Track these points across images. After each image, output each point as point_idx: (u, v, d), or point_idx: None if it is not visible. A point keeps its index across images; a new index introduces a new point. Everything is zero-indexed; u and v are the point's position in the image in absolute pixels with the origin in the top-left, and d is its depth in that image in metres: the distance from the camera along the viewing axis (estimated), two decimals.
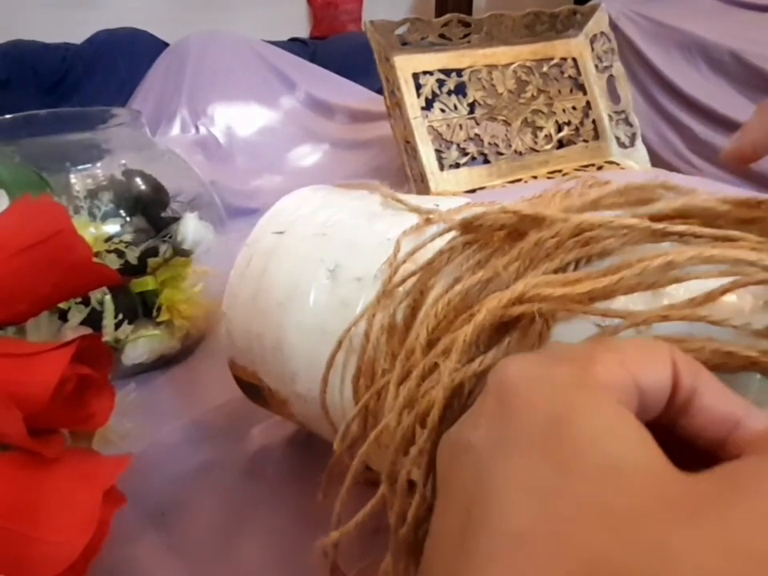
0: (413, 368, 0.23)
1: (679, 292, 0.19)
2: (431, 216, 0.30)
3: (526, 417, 0.15)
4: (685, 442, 0.16)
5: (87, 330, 0.41)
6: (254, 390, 0.38)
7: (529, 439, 0.14)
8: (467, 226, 0.25)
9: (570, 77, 0.94)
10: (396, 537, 0.21)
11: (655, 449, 0.14)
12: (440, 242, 0.27)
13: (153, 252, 0.50)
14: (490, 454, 0.15)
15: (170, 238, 0.51)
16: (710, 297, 0.18)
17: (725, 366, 0.18)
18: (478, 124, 0.87)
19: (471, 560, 0.13)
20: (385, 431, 0.23)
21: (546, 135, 0.91)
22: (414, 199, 0.33)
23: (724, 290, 0.18)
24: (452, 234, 0.26)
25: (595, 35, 0.96)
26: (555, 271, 0.22)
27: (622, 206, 0.23)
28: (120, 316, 0.47)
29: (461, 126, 0.86)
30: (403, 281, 0.27)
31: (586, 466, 0.13)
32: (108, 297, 0.46)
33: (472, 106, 0.87)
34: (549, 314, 0.21)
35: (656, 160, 1.02)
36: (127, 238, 0.48)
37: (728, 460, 0.14)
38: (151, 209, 0.52)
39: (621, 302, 0.20)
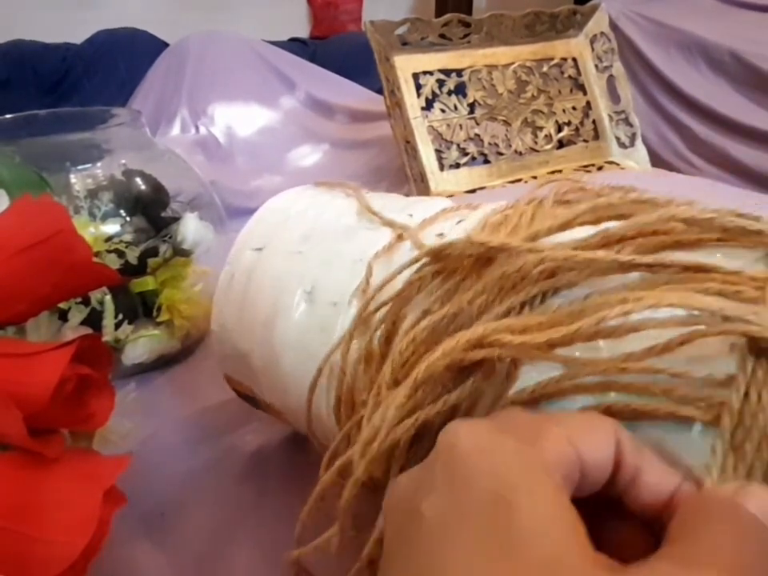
0: (380, 404, 0.23)
1: (640, 337, 0.19)
2: (403, 233, 0.30)
3: (472, 494, 0.15)
4: (629, 511, 0.17)
5: (87, 330, 0.41)
6: (251, 400, 0.38)
7: (474, 521, 0.15)
8: (436, 255, 0.25)
9: (569, 77, 0.94)
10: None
11: (587, 547, 0.14)
12: (411, 270, 0.27)
13: (153, 252, 0.50)
14: (439, 531, 0.15)
15: (169, 238, 0.51)
16: (668, 347, 0.18)
17: (674, 417, 0.18)
18: (478, 124, 0.87)
19: None
20: (348, 465, 0.23)
21: (546, 135, 0.91)
22: (390, 204, 0.33)
23: (682, 341, 0.17)
24: (422, 260, 0.26)
25: (595, 35, 0.96)
26: (521, 305, 0.22)
27: (593, 223, 0.23)
28: (120, 316, 0.47)
29: (461, 125, 0.86)
30: (376, 310, 0.27)
31: (524, 559, 0.14)
32: (108, 297, 0.46)
33: (472, 106, 0.87)
34: (512, 358, 0.21)
35: (656, 160, 1.02)
36: (127, 237, 0.48)
37: (662, 529, 0.15)
38: (151, 209, 0.52)
39: (585, 348, 0.20)
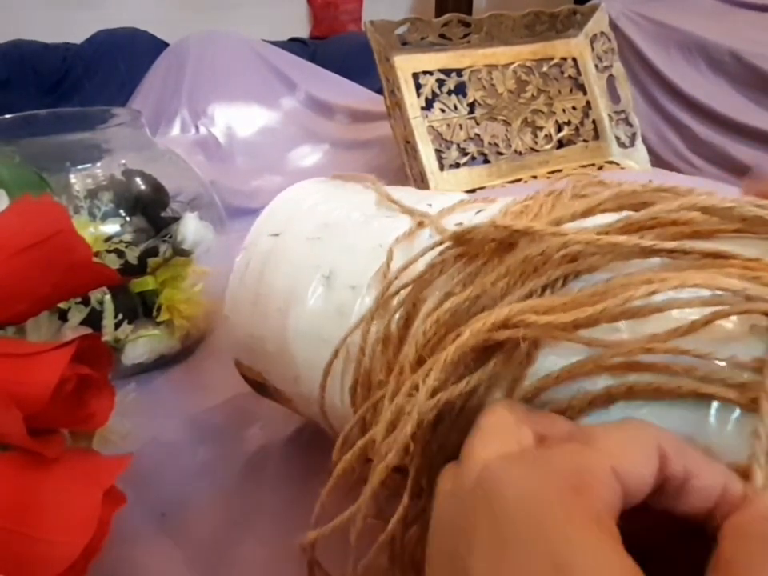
0: (403, 384, 0.23)
1: (663, 318, 0.19)
2: (424, 221, 0.30)
3: (527, 560, 0.14)
4: (676, 515, 0.16)
5: (87, 330, 0.41)
6: (260, 387, 0.38)
7: None
8: (459, 239, 0.25)
9: (570, 77, 0.94)
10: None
11: None
12: (432, 253, 0.27)
13: (153, 252, 0.50)
14: None
15: (169, 238, 0.51)
16: (693, 327, 0.18)
17: (698, 395, 0.18)
18: (478, 124, 0.87)
19: None
20: (370, 445, 0.23)
21: (546, 135, 0.91)
22: (408, 196, 0.33)
23: (706, 321, 0.18)
24: (444, 244, 0.27)
25: (595, 35, 0.96)
26: (543, 288, 0.22)
27: (615, 210, 0.23)
28: (120, 316, 0.47)
29: (461, 125, 0.86)
30: (397, 292, 0.27)
31: None
32: (108, 297, 0.46)
33: (472, 106, 0.87)
34: (534, 339, 0.21)
35: (656, 160, 1.02)
36: (127, 238, 0.48)
37: (714, 530, 0.15)
38: (151, 209, 0.52)
39: (605, 328, 0.20)
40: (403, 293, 0.27)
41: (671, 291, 0.18)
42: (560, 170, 0.91)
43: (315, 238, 0.33)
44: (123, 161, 0.53)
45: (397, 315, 0.27)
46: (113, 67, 1.19)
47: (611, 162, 0.95)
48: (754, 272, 0.18)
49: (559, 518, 0.15)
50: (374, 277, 0.29)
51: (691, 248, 0.19)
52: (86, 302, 0.43)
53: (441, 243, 0.27)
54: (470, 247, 0.25)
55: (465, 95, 0.87)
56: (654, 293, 0.18)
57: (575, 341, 0.20)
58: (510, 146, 0.89)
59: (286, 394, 0.35)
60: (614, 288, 0.19)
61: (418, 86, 0.83)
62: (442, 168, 0.83)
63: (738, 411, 0.17)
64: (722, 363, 0.18)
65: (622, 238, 0.20)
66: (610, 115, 0.96)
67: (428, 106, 0.84)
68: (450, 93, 0.86)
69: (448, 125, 0.85)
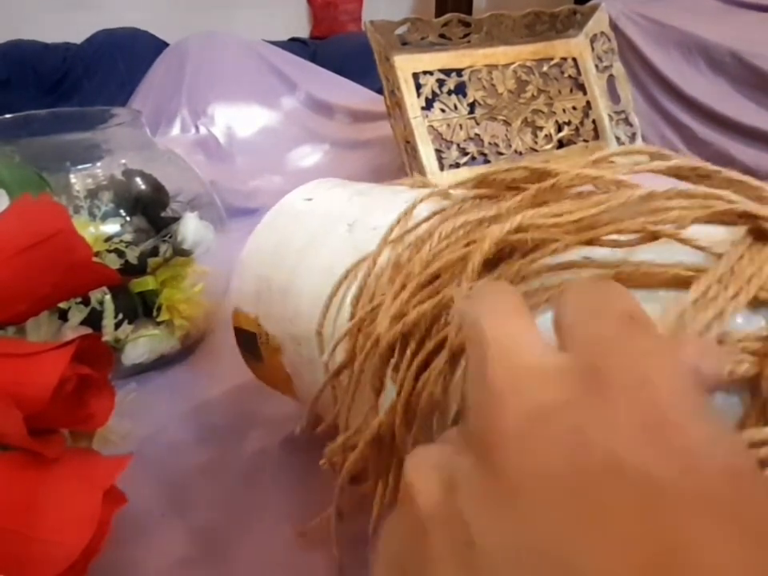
0: (408, 282, 0.24)
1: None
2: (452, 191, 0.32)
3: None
4: None
5: (87, 330, 0.41)
6: (251, 339, 0.38)
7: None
8: (482, 181, 0.27)
9: (570, 77, 0.94)
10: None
11: None
12: (456, 200, 0.29)
13: (153, 252, 0.50)
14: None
15: (170, 237, 0.51)
16: (681, 223, 0.20)
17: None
18: (478, 124, 0.87)
19: None
20: (372, 343, 0.24)
21: (546, 135, 0.91)
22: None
23: (693, 220, 0.20)
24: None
25: (595, 35, 0.96)
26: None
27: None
28: (120, 316, 0.47)
29: (461, 125, 0.86)
30: (415, 226, 0.28)
31: None
32: (108, 297, 0.46)
33: (472, 106, 0.87)
34: (540, 243, 0.22)
35: None
36: (127, 237, 0.48)
37: None
38: (151, 209, 0.52)
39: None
40: (422, 228, 0.28)
41: (663, 197, 0.21)
42: None
43: (347, 200, 0.35)
44: (123, 161, 0.53)
45: (411, 245, 0.28)
46: (113, 67, 1.19)
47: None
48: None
49: None
50: (397, 220, 0.30)
51: (693, 192, 0.21)
52: (86, 301, 0.43)
53: (465, 183, 0.28)
54: (491, 189, 0.27)
55: (465, 95, 0.87)
56: (650, 194, 0.20)
57: (579, 242, 0.22)
58: (510, 146, 0.89)
59: (277, 340, 0.35)
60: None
61: (418, 86, 0.83)
62: (442, 168, 0.83)
63: None
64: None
65: (622, 177, 0.22)
66: (610, 115, 0.96)
67: (428, 105, 0.84)
68: (450, 93, 0.86)
69: (448, 125, 0.85)
